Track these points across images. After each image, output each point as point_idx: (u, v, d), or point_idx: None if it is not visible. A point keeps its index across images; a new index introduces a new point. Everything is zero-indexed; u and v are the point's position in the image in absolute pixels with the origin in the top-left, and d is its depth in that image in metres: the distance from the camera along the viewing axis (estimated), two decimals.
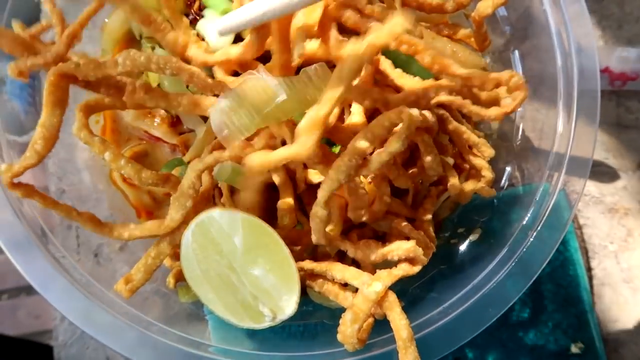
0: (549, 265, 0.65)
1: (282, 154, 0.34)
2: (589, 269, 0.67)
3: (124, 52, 0.33)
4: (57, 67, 0.32)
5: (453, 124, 0.46)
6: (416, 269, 0.40)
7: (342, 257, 0.50)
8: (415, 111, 0.35)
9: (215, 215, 0.40)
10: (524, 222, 0.46)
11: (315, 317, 0.53)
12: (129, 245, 0.60)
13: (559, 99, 0.50)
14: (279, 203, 0.46)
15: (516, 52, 0.54)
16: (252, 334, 0.51)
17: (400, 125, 0.36)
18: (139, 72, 0.38)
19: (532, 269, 0.44)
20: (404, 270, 0.39)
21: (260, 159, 0.36)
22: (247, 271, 0.40)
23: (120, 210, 0.58)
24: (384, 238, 0.49)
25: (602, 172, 0.70)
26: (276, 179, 0.47)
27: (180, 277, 0.46)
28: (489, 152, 0.47)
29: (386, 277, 0.38)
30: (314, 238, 0.39)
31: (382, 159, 0.36)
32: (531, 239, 0.44)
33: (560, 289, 0.66)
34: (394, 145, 0.35)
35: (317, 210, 0.38)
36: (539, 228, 0.45)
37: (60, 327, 0.64)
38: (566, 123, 0.48)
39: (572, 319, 0.65)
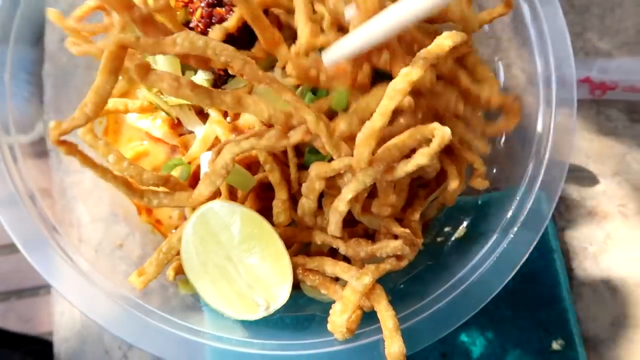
0: (532, 265, 0.68)
1: (340, 164, 0.38)
2: (570, 269, 0.71)
3: (183, 33, 0.34)
4: (119, 38, 0.33)
5: (451, 122, 0.49)
6: (402, 264, 0.43)
7: (334, 254, 0.52)
8: (447, 130, 0.38)
9: (215, 206, 0.42)
10: (505, 221, 0.49)
11: (307, 310, 0.56)
12: (126, 243, 0.62)
13: (540, 106, 0.53)
14: (275, 202, 0.48)
15: (500, 62, 0.58)
16: (247, 325, 0.54)
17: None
18: None
19: (512, 263, 0.47)
20: (391, 264, 0.42)
21: (322, 169, 0.40)
22: (243, 260, 0.42)
23: (121, 208, 0.60)
24: (373, 236, 0.51)
25: (583, 177, 0.74)
26: (272, 178, 0.49)
27: (179, 271, 0.48)
28: (485, 148, 0.51)
29: (374, 271, 0.41)
30: (331, 229, 0.42)
31: (408, 169, 0.39)
32: (511, 236, 0.47)
33: (543, 288, 0.69)
34: (422, 159, 0.38)
35: (339, 205, 0.41)
36: (518, 226, 0.48)
37: (60, 322, 0.66)
38: (546, 129, 0.51)
39: (553, 317, 0.68)
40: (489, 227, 0.50)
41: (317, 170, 0.43)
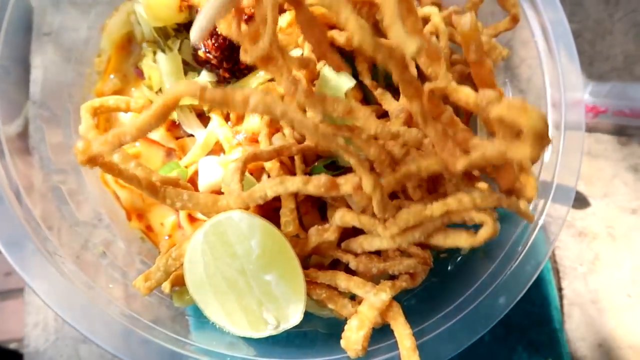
0: None
1: (371, 225, 0.40)
2: (560, 289, 0.71)
3: (259, 95, 0.30)
4: (180, 90, 0.30)
5: None
6: (417, 282, 0.41)
7: (334, 267, 0.51)
8: (497, 227, 0.39)
9: (235, 216, 0.40)
10: (511, 242, 0.49)
11: (302, 327, 0.54)
12: (110, 249, 0.58)
13: (549, 127, 0.53)
14: (282, 211, 0.46)
15: (508, 84, 0.58)
16: (234, 338, 0.51)
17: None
18: None
19: (520, 284, 0.46)
20: (406, 282, 0.40)
21: (347, 218, 0.41)
22: (259, 275, 0.40)
23: (108, 211, 0.57)
24: (380, 251, 0.50)
25: (574, 198, 0.74)
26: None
27: (176, 283, 0.45)
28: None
29: (391, 287, 0.39)
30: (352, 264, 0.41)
31: (446, 245, 0.41)
32: (519, 259, 0.47)
33: (534, 308, 0.69)
34: (463, 244, 0.40)
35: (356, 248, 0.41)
36: (525, 250, 0.47)
37: (33, 334, 0.61)
38: (553, 153, 0.51)
39: (543, 336, 0.68)
40: (494, 246, 0.49)
41: (343, 220, 0.42)
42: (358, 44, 0.29)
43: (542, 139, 0.30)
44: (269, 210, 0.51)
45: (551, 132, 0.51)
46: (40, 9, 0.58)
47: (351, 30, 0.29)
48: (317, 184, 0.39)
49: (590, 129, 0.77)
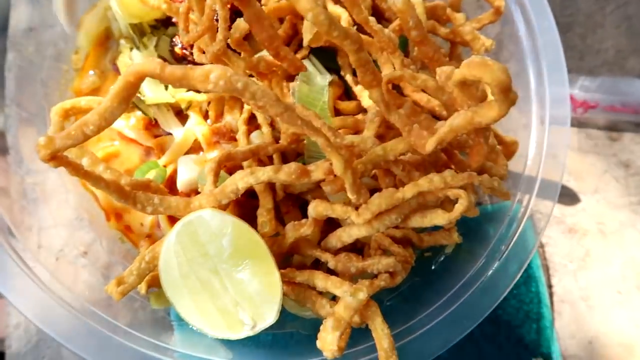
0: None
1: (345, 213, 0.40)
2: (550, 286, 0.70)
3: (219, 68, 0.28)
4: (141, 67, 0.28)
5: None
6: (396, 281, 0.41)
7: (316, 266, 0.50)
8: (472, 200, 0.40)
9: (206, 215, 0.39)
10: (495, 239, 0.48)
11: (286, 327, 0.53)
12: (91, 250, 0.57)
13: (532, 124, 0.52)
14: (259, 211, 0.45)
15: None
16: (220, 343, 0.50)
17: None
18: None
19: (502, 284, 0.45)
20: (385, 281, 0.40)
21: (321, 209, 0.40)
22: (232, 274, 0.39)
23: (88, 212, 0.56)
24: (361, 250, 0.49)
25: (563, 194, 0.74)
26: (256, 186, 0.46)
27: (152, 284, 0.44)
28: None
29: (368, 287, 0.38)
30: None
31: (423, 224, 0.42)
32: (504, 256, 0.46)
33: (523, 305, 0.68)
34: (441, 221, 0.41)
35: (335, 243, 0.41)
36: (510, 246, 0.46)
37: (14, 335, 0.60)
38: (539, 147, 0.50)
39: (533, 334, 0.67)
40: (478, 244, 0.48)
41: (316, 211, 0.41)
42: (312, 22, 0.28)
43: (507, 92, 0.29)
44: (249, 208, 0.50)
45: (536, 127, 0.50)
46: (17, 4, 0.57)
47: (303, 8, 0.28)
48: (288, 171, 0.39)
49: (580, 124, 0.77)
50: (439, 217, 0.39)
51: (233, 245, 0.39)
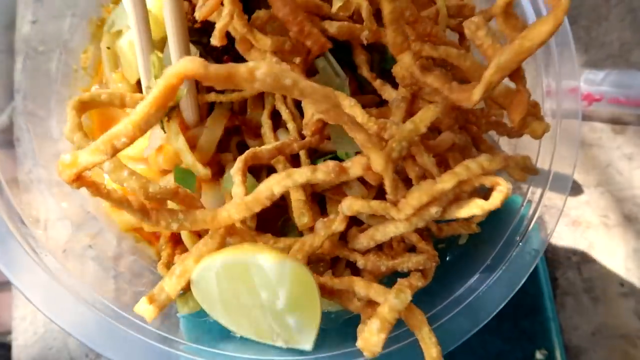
0: None
1: (381, 209, 0.39)
2: (553, 279, 0.70)
3: (266, 66, 0.26)
4: (184, 67, 0.26)
5: (486, 145, 0.49)
6: (427, 280, 0.41)
7: (334, 262, 0.49)
8: (509, 187, 0.39)
9: (263, 263, 0.36)
10: (509, 231, 0.48)
11: None
12: (99, 241, 0.58)
13: (545, 115, 0.52)
14: (294, 205, 0.45)
15: None
16: (226, 336, 0.51)
17: None
18: None
19: (517, 277, 0.46)
20: (420, 281, 0.40)
21: (356, 205, 0.39)
22: (278, 316, 0.38)
23: (94, 204, 0.56)
24: (381, 246, 0.49)
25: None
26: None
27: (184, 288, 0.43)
28: (521, 176, 0.49)
29: (408, 287, 0.38)
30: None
31: (460, 215, 0.41)
32: (516, 249, 0.46)
33: (527, 297, 0.69)
34: (477, 212, 0.39)
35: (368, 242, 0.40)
36: (523, 238, 0.47)
37: (20, 327, 0.61)
38: (549, 142, 0.50)
39: (536, 326, 0.68)
40: (493, 235, 0.49)
41: (352, 209, 0.40)
42: None
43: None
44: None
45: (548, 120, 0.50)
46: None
47: None
48: (326, 170, 0.37)
49: (584, 117, 0.77)
50: (476, 207, 0.38)
51: (289, 298, 0.37)
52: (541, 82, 0.51)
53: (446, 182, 0.37)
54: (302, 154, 0.46)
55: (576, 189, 0.74)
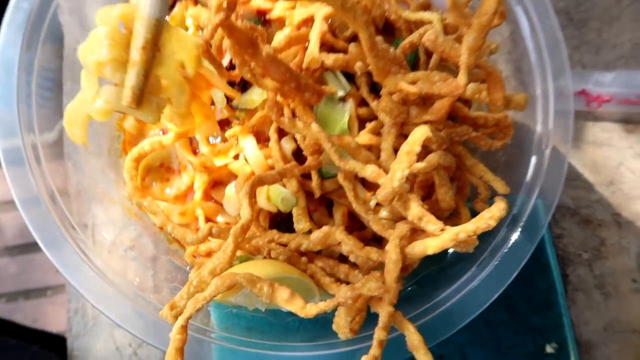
0: (528, 271, 0.70)
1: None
2: (565, 276, 0.73)
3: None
4: None
5: (471, 161, 0.53)
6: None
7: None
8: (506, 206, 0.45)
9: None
10: (505, 228, 0.52)
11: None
12: (138, 244, 0.65)
13: (538, 118, 0.56)
14: (295, 210, 0.52)
15: (511, 78, 0.60)
16: (253, 327, 0.57)
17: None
18: None
19: (510, 269, 0.50)
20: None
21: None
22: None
23: (133, 210, 0.63)
24: (381, 240, 0.54)
25: (578, 186, 0.76)
26: (290, 186, 0.52)
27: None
28: (504, 188, 0.52)
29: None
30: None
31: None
32: (509, 244, 0.50)
33: (538, 293, 0.72)
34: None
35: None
36: (517, 233, 0.50)
37: (74, 320, 0.69)
38: (544, 139, 0.54)
39: (547, 321, 0.71)
40: (489, 233, 0.52)
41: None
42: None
43: None
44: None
45: (541, 121, 0.54)
46: (69, 31, 0.64)
47: None
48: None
49: (596, 118, 0.78)
50: (472, 227, 0.44)
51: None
52: (534, 85, 0.55)
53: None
54: (314, 174, 0.52)
55: (587, 188, 0.76)
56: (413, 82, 0.46)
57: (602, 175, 0.76)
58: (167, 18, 0.44)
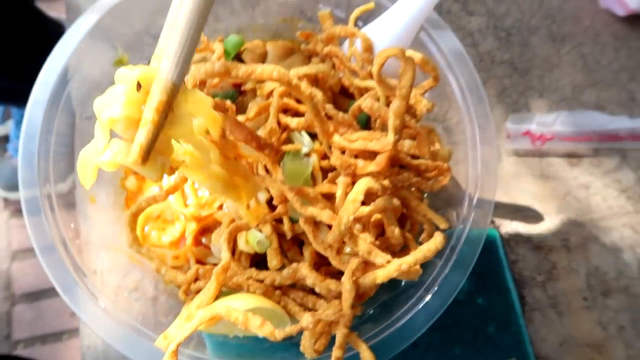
0: (489, 295, 0.80)
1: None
2: (522, 297, 0.81)
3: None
4: None
5: (415, 202, 0.63)
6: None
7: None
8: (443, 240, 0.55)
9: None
10: (444, 258, 0.61)
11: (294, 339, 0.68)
12: (140, 286, 0.74)
13: (468, 152, 0.66)
14: (268, 250, 0.62)
15: (440, 126, 0.71)
16: (248, 354, 0.66)
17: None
18: None
19: (450, 290, 0.58)
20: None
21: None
22: None
23: (135, 256, 0.73)
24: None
25: (530, 216, 0.85)
26: (265, 230, 0.63)
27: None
28: (444, 224, 0.62)
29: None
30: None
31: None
32: (446, 270, 0.59)
33: (499, 314, 0.80)
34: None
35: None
36: (452, 261, 0.60)
37: (87, 354, 0.78)
38: (473, 174, 0.64)
39: (508, 338, 0.79)
40: (432, 261, 0.62)
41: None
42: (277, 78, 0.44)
43: (405, 58, 0.48)
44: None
45: (470, 161, 0.65)
46: (79, 97, 0.75)
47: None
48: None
49: (542, 154, 0.88)
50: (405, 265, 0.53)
51: None
52: (466, 132, 0.65)
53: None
54: (285, 219, 0.62)
55: (538, 217, 0.85)
56: (355, 140, 0.57)
57: (550, 204, 0.86)
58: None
